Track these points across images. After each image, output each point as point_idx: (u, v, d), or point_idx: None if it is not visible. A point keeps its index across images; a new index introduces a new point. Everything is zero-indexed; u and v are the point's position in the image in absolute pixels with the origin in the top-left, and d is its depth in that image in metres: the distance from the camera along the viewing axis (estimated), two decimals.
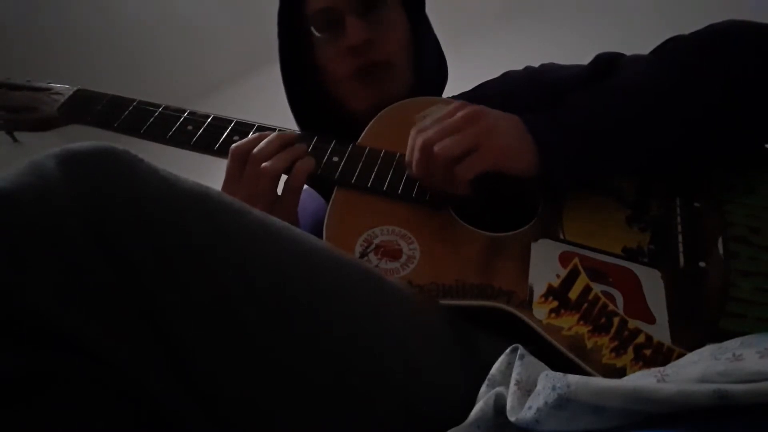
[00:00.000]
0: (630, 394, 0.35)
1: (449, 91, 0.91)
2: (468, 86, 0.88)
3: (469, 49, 1.79)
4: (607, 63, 0.76)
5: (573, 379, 0.37)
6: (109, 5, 2.34)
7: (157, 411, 0.38)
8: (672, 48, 0.71)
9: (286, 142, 0.73)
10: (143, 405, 0.38)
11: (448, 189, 0.66)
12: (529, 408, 0.38)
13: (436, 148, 0.63)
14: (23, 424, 0.34)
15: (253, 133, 0.75)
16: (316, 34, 0.80)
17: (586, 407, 0.35)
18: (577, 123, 0.66)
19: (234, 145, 0.72)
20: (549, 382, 0.37)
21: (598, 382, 0.36)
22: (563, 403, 0.36)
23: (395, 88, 0.80)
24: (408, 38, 0.84)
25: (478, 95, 0.84)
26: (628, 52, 0.77)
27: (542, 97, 0.74)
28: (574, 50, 1.00)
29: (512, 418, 0.39)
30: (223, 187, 0.71)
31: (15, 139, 0.88)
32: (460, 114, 0.65)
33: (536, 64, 0.87)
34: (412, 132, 0.68)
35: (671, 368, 0.40)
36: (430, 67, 0.87)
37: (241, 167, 0.71)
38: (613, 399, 0.35)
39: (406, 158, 0.69)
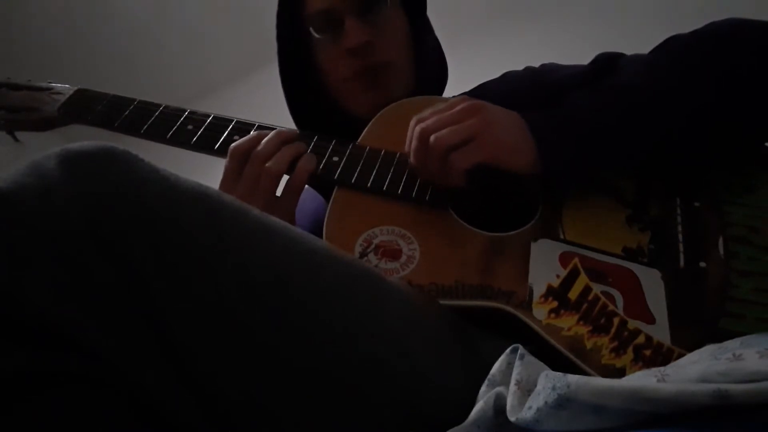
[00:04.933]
0: (630, 393, 0.35)
1: (449, 91, 0.90)
2: (468, 87, 0.88)
3: (469, 50, 1.79)
4: (607, 62, 0.76)
5: (573, 378, 0.37)
6: (109, 5, 2.34)
7: (157, 410, 0.38)
8: (672, 46, 0.71)
9: (285, 139, 0.72)
10: (143, 404, 0.38)
11: (444, 180, 0.65)
12: (529, 408, 0.38)
13: (432, 138, 0.64)
14: (23, 423, 0.35)
15: (254, 132, 0.75)
16: (315, 35, 0.80)
17: (586, 407, 0.35)
18: (576, 121, 0.65)
19: (233, 144, 0.72)
20: (549, 382, 0.37)
21: (598, 381, 0.36)
22: (563, 402, 0.36)
23: (395, 90, 0.80)
24: (408, 39, 0.84)
25: (478, 95, 0.83)
26: (628, 52, 0.77)
27: (542, 96, 0.73)
28: (574, 50, 1.00)
29: (512, 418, 0.39)
30: (220, 187, 0.71)
31: (16, 139, 0.88)
32: (459, 106, 0.66)
33: (536, 65, 0.87)
34: (412, 122, 0.68)
35: (671, 368, 0.40)
36: (431, 68, 0.87)
37: (240, 166, 0.71)
38: (613, 399, 0.35)
39: (406, 147, 0.69)
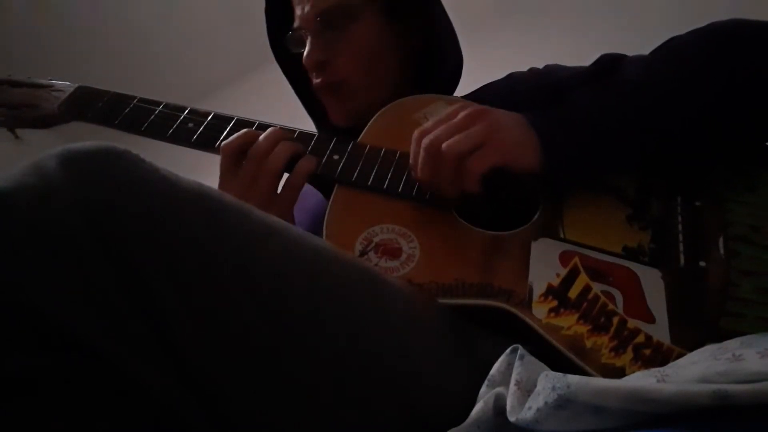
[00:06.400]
0: (630, 394, 0.35)
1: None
2: (469, 87, 0.88)
3: (470, 50, 1.78)
4: (609, 63, 0.75)
5: (573, 379, 0.37)
6: (109, 5, 2.34)
7: (158, 410, 0.38)
8: (674, 46, 0.71)
9: (281, 136, 0.73)
10: (143, 404, 0.38)
11: (458, 187, 0.64)
12: (529, 408, 0.38)
13: (444, 146, 0.62)
14: (22, 423, 0.35)
15: (245, 129, 0.75)
16: (291, 50, 0.85)
17: (586, 407, 0.35)
18: (578, 120, 0.66)
19: (224, 142, 0.73)
20: (549, 383, 0.37)
21: (598, 382, 0.36)
22: (563, 403, 0.36)
23: (358, 106, 0.82)
24: (381, 53, 0.83)
25: (481, 96, 0.83)
26: (629, 53, 0.77)
27: (545, 96, 0.73)
28: (576, 51, 1.00)
29: (512, 419, 0.39)
30: (219, 185, 0.72)
31: (16, 136, 0.88)
32: (463, 113, 0.65)
33: (539, 66, 0.87)
34: (415, 134, 0.67)
35: (671, 368, 0.40)
36: (443, 69, 0.86)
37: (235, 163, 0.71)
38: (612, 399, 0.35)
39: (411, 162, 0.67)
